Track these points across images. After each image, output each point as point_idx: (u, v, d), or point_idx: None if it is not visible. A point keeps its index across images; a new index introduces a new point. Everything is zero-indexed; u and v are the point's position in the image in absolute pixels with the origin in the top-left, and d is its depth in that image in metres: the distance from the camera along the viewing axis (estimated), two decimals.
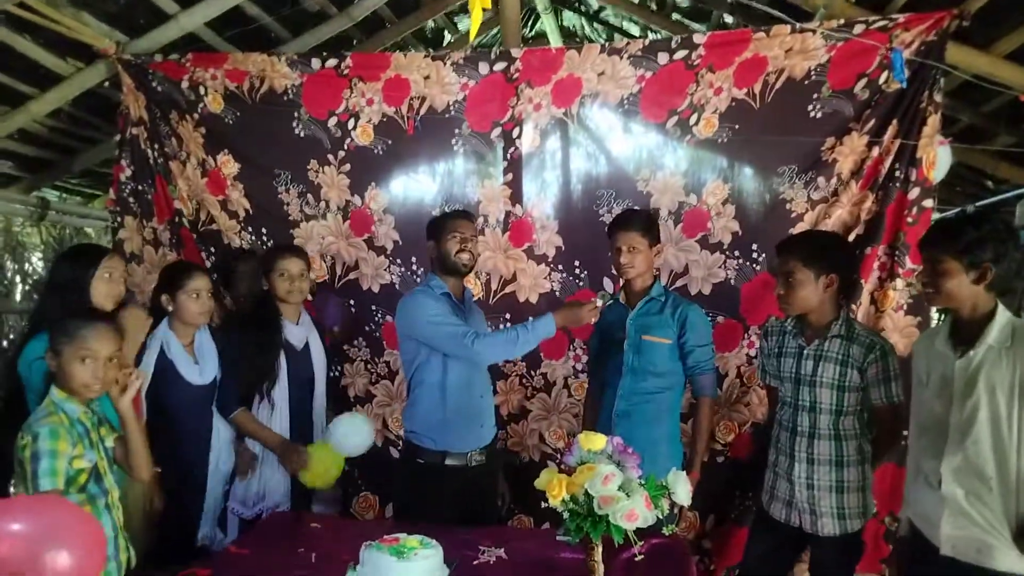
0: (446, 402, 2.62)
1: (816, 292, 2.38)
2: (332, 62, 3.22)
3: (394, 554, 2.00)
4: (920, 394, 2.19)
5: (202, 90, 3.32)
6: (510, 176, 3.24)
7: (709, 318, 2.88)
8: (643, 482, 1.99)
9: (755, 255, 3.08)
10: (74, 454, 1.88)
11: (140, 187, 3.42)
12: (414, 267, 3.34)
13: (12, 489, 1.94)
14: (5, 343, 4.03)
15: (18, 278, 4.25)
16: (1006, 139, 3.62)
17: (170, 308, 2.66)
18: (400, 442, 3.41)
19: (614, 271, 2.77)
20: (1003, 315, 1.98)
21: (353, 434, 2.74)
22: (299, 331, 2.86)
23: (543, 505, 1.98)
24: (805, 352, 2.43)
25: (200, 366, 2.68)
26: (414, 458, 2.69)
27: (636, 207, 3.07)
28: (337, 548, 2.19)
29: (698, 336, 2.65)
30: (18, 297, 4.27)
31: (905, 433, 2.37)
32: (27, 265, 4.29)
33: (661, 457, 2.52)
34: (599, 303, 2.54)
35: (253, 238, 3.43)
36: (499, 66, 3.13)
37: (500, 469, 2.91)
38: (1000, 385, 1.91)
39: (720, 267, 3.13)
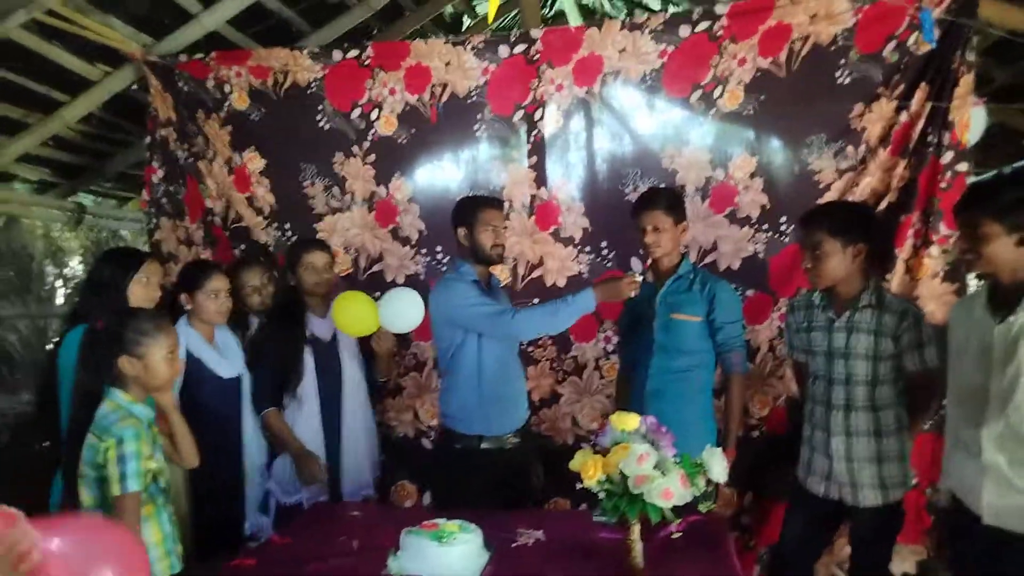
0: (481, 386, 2.65)
1: (844, 262, 2.35)
2: (353, 53, 3.24)
3: (434, 539, 2.04)
4: (958, 363, 2.15)
5: (227, 88, 3.35)
6: (534, 159, 3.23)
7: (739, 293, 2.86)
8: (678, 460, 2.00)
9: (783, 227, 3.04)
10: (148, 454, 1.94)
11: (172, 188, 3.48)
12: (439, 256, 3.35)
13: (83, 493, 1.95)
14: (49, 347, 4.15)
15: (59, 282, 4.37)
16: None
17: (189, 307, 2.70)
18: (432, 432, 3.47)
19: (641, 251, 2.75)
20: None
21: (398, 309, 2.76)
22: (325, 324, 2.89)
23: (578, 487, 2.00)
24: (836, 325, 2.40)
25: (227, 360, 2.74)
26: (451, 444, 2.73)
27: (662, 185, 3.05)
28: (378, 535, 2.23)
29: (727, 313, 2.63)
30: (59, 300, 4.39)
31: (944, 402, 2.33)
32: (66, 269, 4.40)
33: (694, 435, 2.44)
34: (638, 277, 2.54)
35: (278, 233, 3.47)
36: (519, 48, 3.11)
37: (534, 451, 2.93)
38: None
39: (749, 241, 3.09)
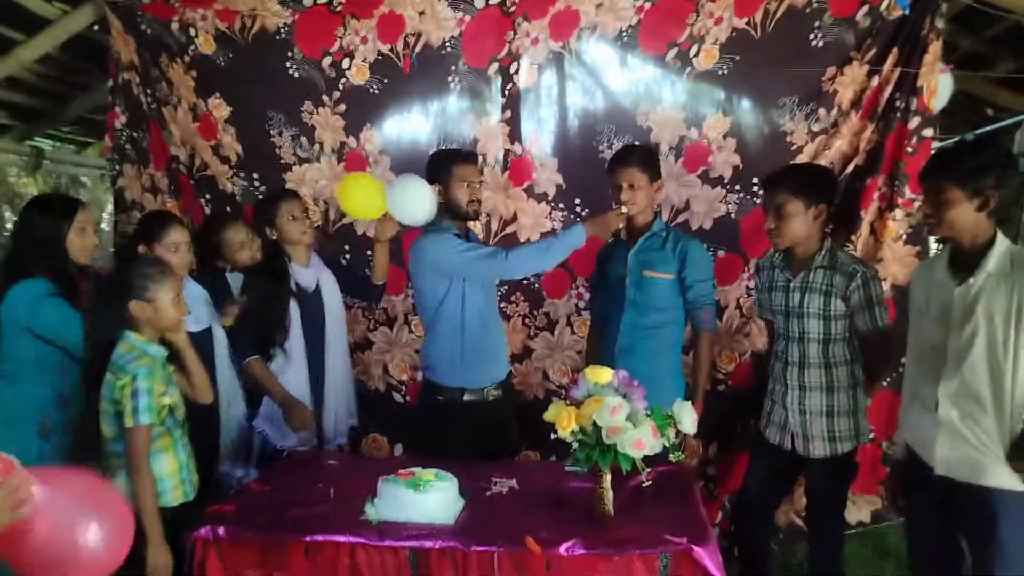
0: (464, 339, 2.69)
1: (806, 223, 2.42)
2: None
3: (410, 487, 2.09)
4: (919, 322, 2.24)
5: (192, 31, 3.24)
6: (508, 113, 3.21)
7: (710, 253, 2.92)
8: (649, 413, 2.06)
9: (755, 188, 3.08)
10: (161, 391, 2.08)
11: (135, 134, 3.38)
12: None
13: (104, 426, 2.10)
14: None
15: None
16: (1007, 65, 3.58)
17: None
18: (403, 386, 3.50)
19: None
20: (1002, 243, 2.01)
21: (408, 196, 2.66)
22: (309, 273, 2.87)
23: (552, 437, 2.05)
24: (792, 285, 2.49)
25: (192, 314, 2.69)
26: (433, 396, 2.77)
27: (636, 143, 3.06)
28: (354, 483, 2.26)
29: (698, 271, 2.68)
30: None
31: (903, 360, 2.43)
32: None
33: (664, 389, 2.52)
34: (624, 209, 2.59)
35: (245, 183, 3.41)
36: (495, 0, 3.06)
37: (512, 404, 2.97)
38: (998, 311, 1.96)
39: (721, 201, 3.13)
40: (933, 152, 2.56)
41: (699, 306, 2.70)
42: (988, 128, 4.22)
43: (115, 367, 2.08)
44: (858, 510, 3.28)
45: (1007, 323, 1.94)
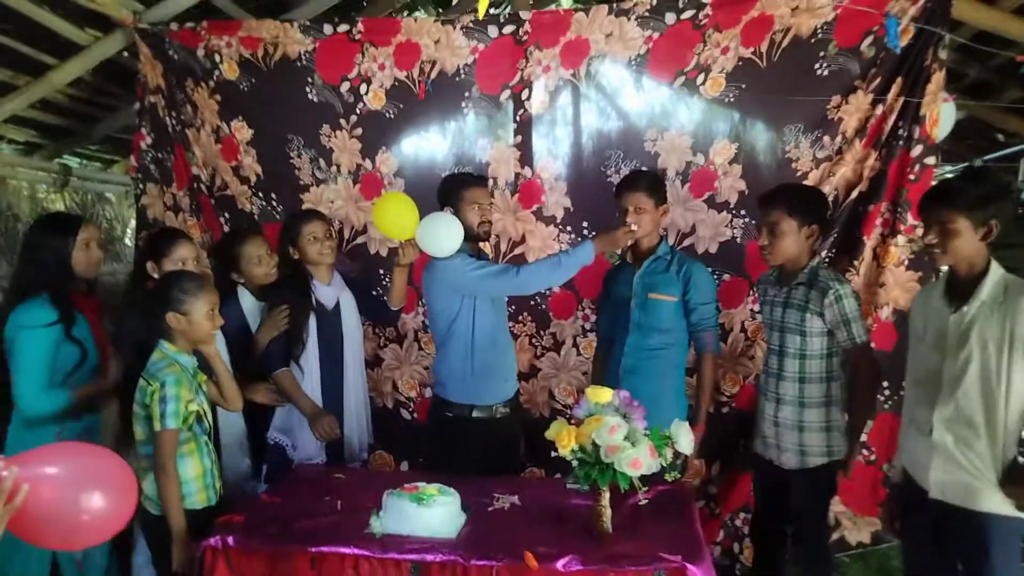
0: (474, 357, 2.78)
1: (798, 241, 2.50)
2: (344, 27, 3.26)
3: (414, 500, 2.15)
4: (917, 347, 2.28)
5: (217, 58, 3.37)
6: (519, 138, 3.30)
7: (715, 276, 2.98)
8: (648, 432, 2.11)
9: None
10: (188, 398, 2.21)
11: (160, 154, 3.51)
12: None
13: (136, 429, 2.24)
14: None
15: None
16: (1014, 94, 3.62)
17: (156, 275, 2.71)
18: (411, 403, 3.57)
19: None
20: (996, 272, 2.05)
21: (437, 232, 2.70)
22: (330, 291, 2.94)
23: (552, 455, 2.11)
24: (776, 299, 2.59)
25: None
26: (443, 412, 2.85)
27: (644, 167, 3.14)
28: (361, 496, 2.33)
29: (701, 294, 2.73)
30: None
31: (904, 384, 2.46)
32: None
33: (667, 410, 2.59)
34: (633, 227, 2.65)
35: (263, 203, 3.52)
36: (508, 29, 3.16)
37: (520, 422, 3.04)
38: (991, 339, 2.00)
39: (727, 226, 3.20)
40: (936, 182, 2.61)
41: (702, 328, 2.75)
42: (995, 155, 4.25)
43: (148, 373, 2.21)
44: (859, 531, 3.31)
45: (1000, 351, 1.98)
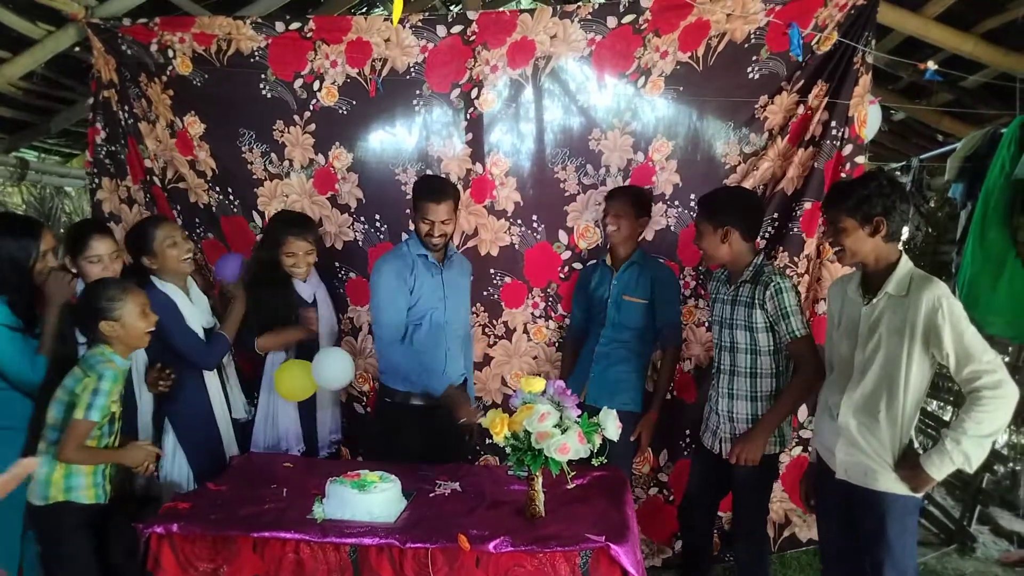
0: (411, 350, 2.94)
1: (715, 243, 2.65)
2: (295, 25, 3.31)
3: (356, 487, 2.25)
4: (832, 335, 2.43)
5: (171, 53, 3.40)
6: (470, 136, 3.38)
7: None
8: (578, 420, 2.23)
9: (692, 204, 3.29)
10: (114, 399, 2.30)
11: (114, 148, 3.53)
12: (377, 224, 3.50)
13: (50, 412, 2.29)
14: None
15: None
16: (944, 96, 3.78)
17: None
18: (364, 397, 3.66)
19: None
20: (904, 267, 2.19)
21: (330, 369, 2.95)
22: (307, 287, 3.14)
23: (487, 442, 2.22)
24: (725, 297, 2.71)
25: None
26: (383, 398, 3.03)
27: (589, 164, 3.33)
28: (306, 484, 2.43)
29: (665, 293, 3.05)
30: None
31: None
32: None
33: (626, 390, 3.06)
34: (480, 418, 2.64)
35: (220, 196, 3.57)
36: (456, 28, 3.23)
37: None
38: (895, 331, 2.14)
39: (662, 215, 3.35)
40: (830, 187, 2.77)
41: (665, 323, 3.06)
42: (932, 152, 4.42)
43: (86, 364, 2.28)
44: (808, 528, 3.47)
45: (901, 342, 2.12)
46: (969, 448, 2.05)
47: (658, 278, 3.05)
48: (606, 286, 3.11)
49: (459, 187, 3.41)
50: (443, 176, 3.34)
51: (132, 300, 2.34)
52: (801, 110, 3.12)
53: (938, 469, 2.08)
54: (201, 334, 2.81)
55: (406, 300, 2.93)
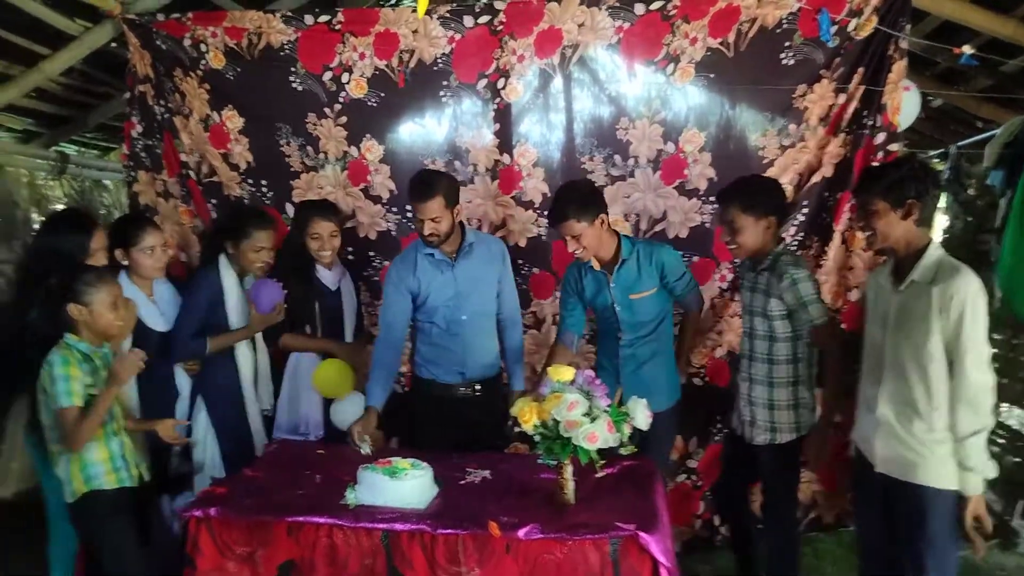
0: (430, 341, 2.98)
1: (756, 234, 2.60)
2: (324, 18, 3.33)
3: (387, 474, 2.28)
4: (868, 327, 2.40)
5: (203, 47, 3.44)
6: (497, 126, 3.38)
7: (685, 258, 3.13)
8: (608, 409, 2.24)
9: None
10: (88, 382, 2.29)
11: (150, 142, 3.60)
12: (409, 215, 3.53)
13: (42, 414, 2.36)
14: None
15: None
16: (983, 82, 3.69)
17: (125, 262, 2.83)
18: (402, 378, 3.68)
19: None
20: (932, 254, 2.16)
21: (344, 414, 3.04)
22: (332, 275, 3.21)
23: (516, 430, 2.24)
24: (746, 284, 2.72)
25: (164, 316, 2.92)
26: (413, 386, 3.11)
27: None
28: (339, 471, 2.47)
29: (674, 271, 2.86)
30: None
31: None
32: None
33: (663, 380, 2.91)
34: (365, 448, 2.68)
35: (253, 189, 3.62)
36: (483, 19, 3.23)
37: (498, 400, 3.10)
38: (922, 318, 2.11)
39: (696, 212, 3.30)
40: (861, 171, 2.73)
41: (685, 295, 2.94)
42: (971, 139, 4.32)
43: (45, 360, 2.30)
44: (830, 511, 3.44)
45: (927, 330, 2.09)
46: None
47: (662, 261, 2.82)
48: (605, 293, 2.89)
49: (487, 179, 3.43)
50: (437, 171, 3.23)
51: (106, 290, 2.36)
52: (841, 98, 3.07)
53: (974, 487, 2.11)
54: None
55: (403, 301, 2.94)
